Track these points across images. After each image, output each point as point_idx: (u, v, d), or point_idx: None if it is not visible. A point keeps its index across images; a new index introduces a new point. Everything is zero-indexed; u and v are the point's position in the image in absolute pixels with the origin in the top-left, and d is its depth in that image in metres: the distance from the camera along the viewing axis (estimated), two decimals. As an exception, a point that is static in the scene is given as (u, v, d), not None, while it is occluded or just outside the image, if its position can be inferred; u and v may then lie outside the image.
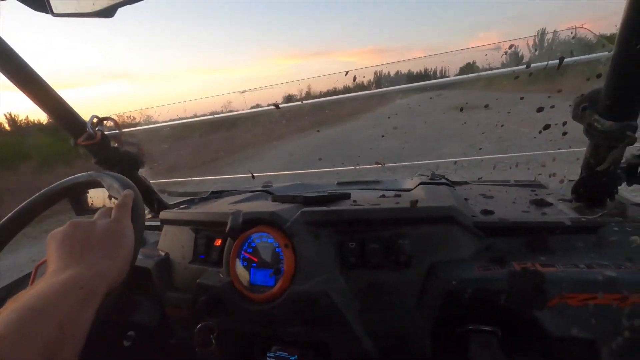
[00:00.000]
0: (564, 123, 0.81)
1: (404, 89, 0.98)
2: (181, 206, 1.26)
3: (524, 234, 0.78)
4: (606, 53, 0.63)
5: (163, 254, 1.01)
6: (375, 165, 1.21)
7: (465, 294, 0.68)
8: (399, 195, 1.03)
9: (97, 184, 0.84)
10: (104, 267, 0.54)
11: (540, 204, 0.92)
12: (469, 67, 0.91)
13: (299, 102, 0.98)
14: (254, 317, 0.79)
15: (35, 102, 1.00)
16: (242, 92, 1.03)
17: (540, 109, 0.82)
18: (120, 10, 0.56)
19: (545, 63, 0.75)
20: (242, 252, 0.82)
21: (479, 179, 1.07)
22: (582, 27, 0.70)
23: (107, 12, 0.56)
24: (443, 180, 1.19)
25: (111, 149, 1.22)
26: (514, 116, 0.97)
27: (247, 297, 0.79)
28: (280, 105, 0.96)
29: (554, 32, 0.73)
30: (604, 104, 0.69)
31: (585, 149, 0.82)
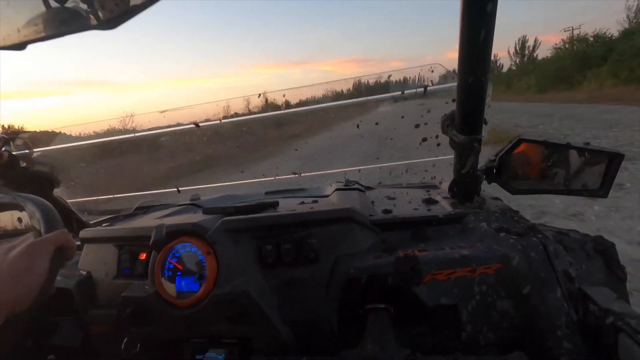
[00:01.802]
0: (437, 136, 1.01)
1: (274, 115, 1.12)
2: (103, 224, 1.25)
3: (410, 227, 0.95)
4: (455, 83, 0.83)
5: (85, 272, 1.01)
6: (293, 175, 1.34)
7: (362, 279, 0.82)
8: (316, 202, 1.17)
9: (15, 207, 0.81)
10: (6, 288, 0.55)
11: (429, 202, 1.13)
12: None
13: (218, 121, 1.06)
14: (181, 321, 0.84)
15: None
16: (163, 111, 1.07)
17: (417, 126, 1.02)
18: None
19: (415, 90, 0.95)
20: (167, 262, 0.88)
21: (379, 183, 1.26)
22: (438, 64, 0.90)
23: (19, 47, 0.60)
24: (356, 186, 1.36)
25: (20, 169, 1.17)
26: (400, 130, 1.17)
27: (173, 304, 0.85)
28: (200, 124, 1.03)
29: (420, 68, 0.92)
30: (457, 122, 0.89)
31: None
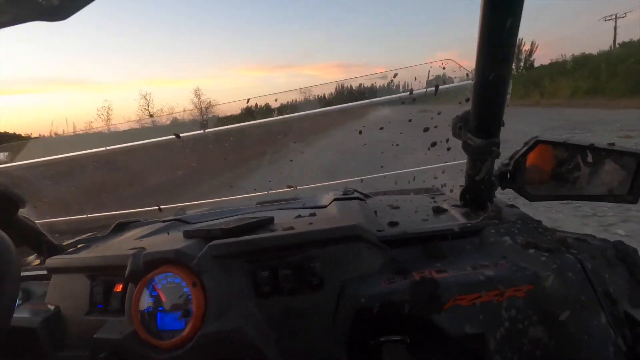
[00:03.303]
0: (447, 140, 0.92)
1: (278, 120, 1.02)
2: (78, 245, 1.11)
3: (422, 243, 0.85)
4: (470, 81, 0.74)
5: (52, 307, 0.88)
6: (287, 189, 1.22)
7: (374, 308, 0.71)
8: (314, 214, 1.06)
9: None
10: None
11: (437, 211, 1.03)
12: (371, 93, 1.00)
13: (201, 132, 0.94)
14: None
15: None
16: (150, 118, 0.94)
17: (426, 129, 0.93)
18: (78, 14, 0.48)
19: (425, 90, 0.85)
20: (147, 297, 0.76)
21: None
22: (450, 60, 0.81)
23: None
24: (355, 195, 1.25)
25: None
26: (406, 136, 1.08)
27: (154, 346, 0.73)
28: (181, 135, 0.92)
29: (430, 64, 0.82)
30: (473, 124, 0.80)
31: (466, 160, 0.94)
